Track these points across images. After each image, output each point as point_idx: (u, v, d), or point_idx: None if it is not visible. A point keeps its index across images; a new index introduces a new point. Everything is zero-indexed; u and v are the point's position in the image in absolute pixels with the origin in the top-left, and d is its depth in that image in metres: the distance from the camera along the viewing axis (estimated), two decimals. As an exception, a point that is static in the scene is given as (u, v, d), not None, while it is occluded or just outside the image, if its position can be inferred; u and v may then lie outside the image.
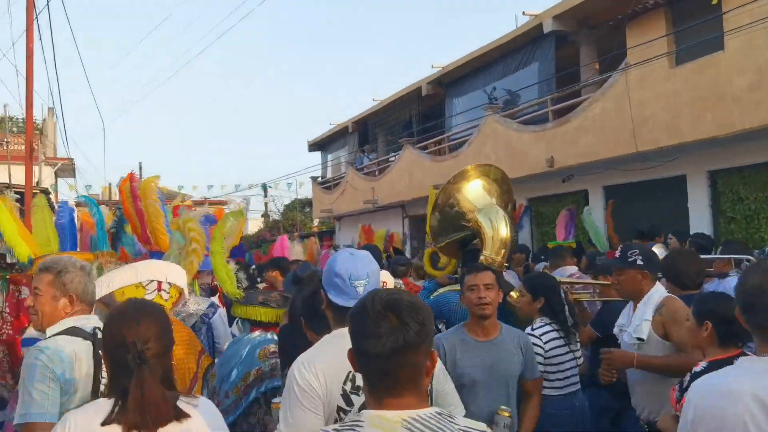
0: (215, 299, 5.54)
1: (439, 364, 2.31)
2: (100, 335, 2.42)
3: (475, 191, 5.07)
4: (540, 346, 3.75)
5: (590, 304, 5.21)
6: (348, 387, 2.08)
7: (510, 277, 6.20)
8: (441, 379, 2.38)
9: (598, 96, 10.94)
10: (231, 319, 5.16)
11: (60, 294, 2.53)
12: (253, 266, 10.31)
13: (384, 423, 1.50)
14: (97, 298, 3.18)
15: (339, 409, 2.07)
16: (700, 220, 10.02)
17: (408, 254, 13.91)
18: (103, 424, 1.82)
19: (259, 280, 6.75)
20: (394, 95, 18.45)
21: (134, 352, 1.84)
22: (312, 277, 4.85)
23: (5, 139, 21.11)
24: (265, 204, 34.67)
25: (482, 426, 1.61)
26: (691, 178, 10.34)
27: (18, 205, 5.58)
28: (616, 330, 3.69)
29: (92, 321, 2.54)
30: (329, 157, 24.69)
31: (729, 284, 4.89)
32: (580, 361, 4.00)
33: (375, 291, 1.66)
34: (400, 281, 6.18)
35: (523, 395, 3.43)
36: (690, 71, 9.38)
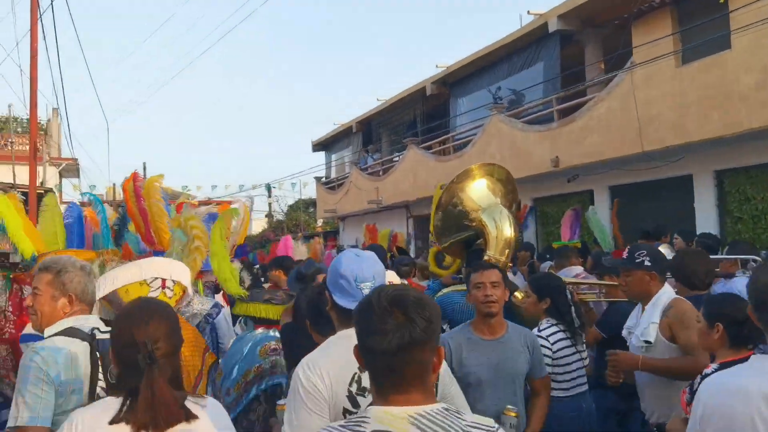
0: (219, 297, 5.52)
1: (444, 365, 2.29)
2: (98, 336, 2.40)
3: (479, 190, 5.03)
4: (548, 348, 3.71)
5: (596, 304, 5.17)
6: (354, 389, 2.06)
7: (515, 277, 6.18)
8: (447, 381, 2.35)
9: (604, 95, 10.89)
10: (234, 318, 5.15)
11: (59, 294, 2.51)
12: (257, 266, 10.31)
13: (390, 419, 1.48)
14: (100, 296, 3.17)
15: (345, 411, 2.05)
16: (706, 220, 9.97)
17: (412, 254, 13.87)
18: (111, 422, 1.80)
19: (262, 280, 6.73)
20: (398, 95, 18.44)
21: (144, 352, 1.83)
22: (315, 274, 4.86)
23: (9, 140, 21.15)
24: (269, 204, 34.72)
25: (489, 421, 1.59)
26: (698, 178, 10.30)
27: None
28: (624, 332, 3.65)
29: (91, 321, 2.51)
30: (333, 157, 24.70)
31: (735, 285, 4.84)
32: (586, 362, 3.96)
33: (381, 287, 1.64)
34: (405, 282, 6.15)
35: (531, 394, 3.41)
36: (696, 70, 9.33)
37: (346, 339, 2.11)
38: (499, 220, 4.82)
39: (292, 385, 2.09)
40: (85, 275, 2.57)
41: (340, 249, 19.21)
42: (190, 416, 1.88)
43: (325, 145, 25.04)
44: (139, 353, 1.83)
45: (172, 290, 3.31)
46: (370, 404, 1.59)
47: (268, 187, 32.82)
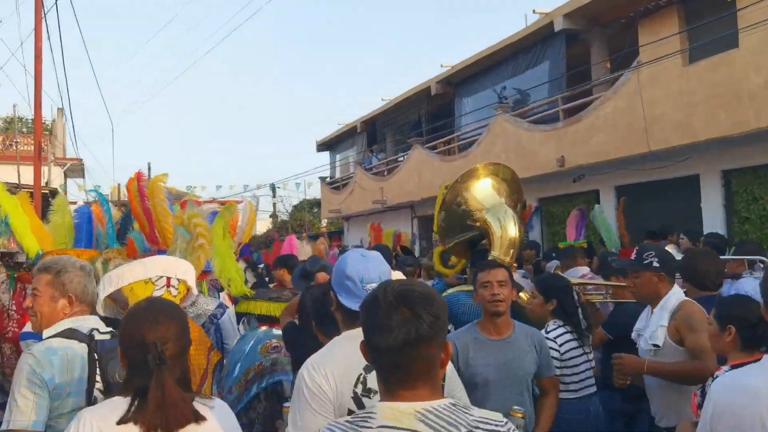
0: (224, 295, 5.49)
1: (450, 366, 2.26)
2: (97, 336, 2.38)
3: (483, 190, 5.00)
4: (556, 350, 3.68)
5: (603, 305, 5.13)
6: (359, 390, 2.04)
7: (520, 277, 6.13)
8: (453, 383, 2.32)
9: (610, 95, 10.85)
10: (238, 318, 5.13)
11: (59, 294, 2.48)
12: (261, 265, 10.29)
13: (397, 415, 1.47)
14: (105, 294, 3.15)
15: (350, 412, 2.02)
16: (713, 220, 9.92)
17: (417, 254, 13.85)
18: (119, 422, 1.79)
19: (267, 280, 6.72)
20: (403, 95, 18.43)
21: (154, 353, 1.82)
22: (320, 272, 4.83)
23: (14, 140, 21.21)
24: (274, 204, 34.73)
25: (497, 416, 1.56)
26: (705, 178, 10.24)
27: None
28: (634, 335, 3.60)
29: (90, 322, 2.48)
30: (338, 157, 24.69)
31: (742, 285, 4.80)
32: (592, 364, 3.92)
33: (387, 282, 1.62)
34: (409, 282, 6.10)
35: (540, 393, 3.38)
36: (704, 69, 9.28)
37: (351, 340, 2.09)
38: (503, 220, 4.79)
39: (297, 386, 2.07)
40: (85, 275, 2.54)
41: (344, 249, 19.21)
42: (199, 417, 1.86)
43: (329, 145, 25.04)
44: (148, 353, 1.82)
45: (177, 289, 3.30)
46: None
47: (273, 188, 32.84)
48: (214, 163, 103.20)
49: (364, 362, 2.04)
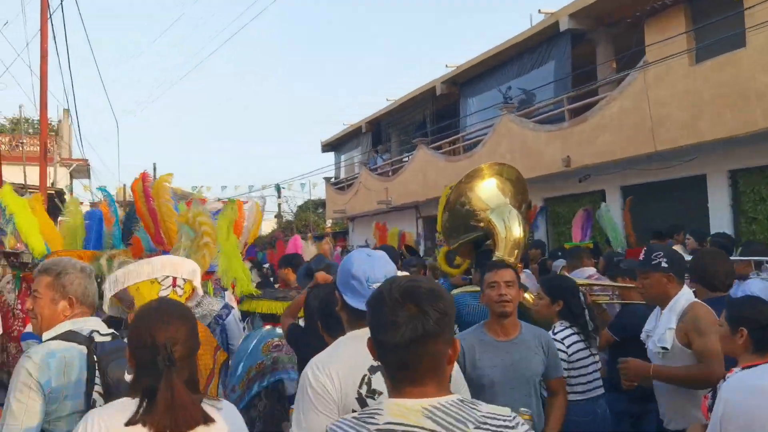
0: (230, 295, 5.48)
1: (456, 367, 2.24)
2: (97, 338, 2.37)
3: (488, 190, 4.97)
4: (563, 351, 3.65)
5: (609, 306, 5.10)
6: (363, 390, 2.02)
7: (526, 278, 6.10)
8: (458, 384, 2.30)
9: (616, 94, 10.81)
10: (243, 316, 5.12)
11: (59, 297, 2.46)
12: (267, 265, 10.30)
13: (404, 411, 1.45)
14: (111, 293, 3.14)
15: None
16: (720, 220, 9.87)
17: (421, 254, 13.83)
18: (128, 424, 1.78)
19: (272, 280, 6.70)
20: (408, 95, 18.41)
21: (164, 354, 1.81)
22: (326, 271, 4.82)
23: (21, 140, 21.28)
24: (279, 205, 34.77)
25: (506, 410, 1.54)
26: (711, 178, 10.19)
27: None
28: (643, 335, 3.57)
29: (90, 323, 2.46)
30: (342, 157, 24.69)
31: (749, 287, 4.76)
32: (599, 365, 3.90)
33: (393, 278, 1.60)
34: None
35: (548, 394, 3.35)
36: (710, 69, 9.23)
37: (356, 340, 2.08)
38: (508, 220, 4.76)
39: (301, 385, 2.05)
40: (85, 277, 2.52)
41: (348, 250, 19.19)
42: (207, 419, 1.86)
43: (334, 145, 25.04)
44: (158, 354, 1.81)
45: (183, 289, 3.29)
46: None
47: (278, 188, 32.88)
48: (219, 164, 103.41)
49: (368, 363, 2.03)
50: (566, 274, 5.58)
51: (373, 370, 2.04)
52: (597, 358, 3.86)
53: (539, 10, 12.83)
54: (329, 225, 29.91)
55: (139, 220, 5.77)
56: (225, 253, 4.35)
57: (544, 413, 3.27)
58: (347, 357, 2.04)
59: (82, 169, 26.44)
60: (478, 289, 4.21)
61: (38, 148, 14.90)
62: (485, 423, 1.47)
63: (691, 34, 9.75)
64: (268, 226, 33.95)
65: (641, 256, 3.48)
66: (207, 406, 1.89)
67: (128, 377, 2.19)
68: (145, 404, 1.80)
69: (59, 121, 27.58)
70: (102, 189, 7.23)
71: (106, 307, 3.03)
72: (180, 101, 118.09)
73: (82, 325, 2.43)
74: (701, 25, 9.75)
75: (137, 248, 5.39)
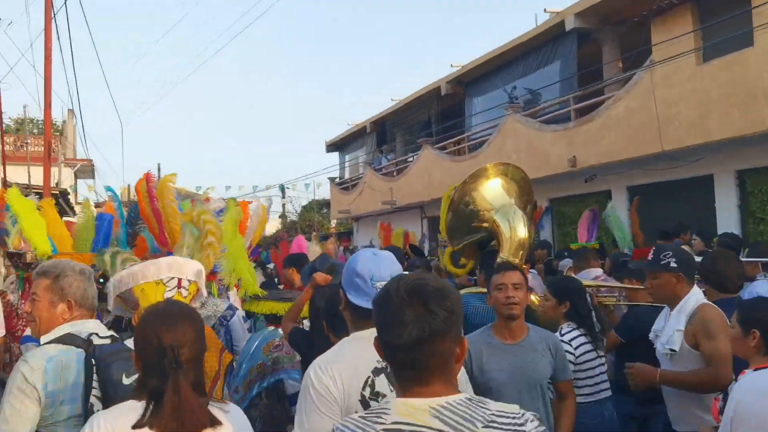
0: (234, 296, 5.46)
1: (462, 372, 2.20)
2: (96, 341, 2.33)
3: (493, 190, 4.93)
4: (571, 353, 3.62)
5: (616, 307, 5.05)
6: (367, 393, 2.00)
7: (532, 278, 6.06)
8: (463, 387, 2.27)
9: (622, 94, 10.76)
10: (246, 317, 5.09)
11: (58, 299, 2.42)
12: (271, 265, 10.26)
13: (411, 411, 1.44)
14: (116, 293, 3.12)
15: None
16: (727, 221, 9.80)
17: (426, 255, 13.79)
18: (135, 427, 1.76)
19: (276, 280, 6.67)
20: (412, 95, 18.39)
21: (171, 356, 1.79)
22: (331, 272, 4.79)
23: (25, 141, 21.33)
24: (283, 205, 34.79)
25: (514, 408, 1.52)
26: (719, 178, 10.13)
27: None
28: (651, 335, 3.53)
29: (88, 326, 2.43)
30: (347, 157, 24.68)
31: (756, 288, 4.71)
32: (605, 367, 3.86)
33: (400, 276, 1.58)
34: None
35: (557, 397, 3.30)
36: (718, 68, 9.18)
37: (360, 341, 2.07)
38: (513, 221, 4.73)
39: (303, 386, 2.03)
40: (84, 279, 2.48)
41: (352, 249, 19.17)
42: (215, 422, 1.84)
43: (338, 145, 25.04)
44: (165, 357, 1.79)
45: (188, 290, 3.28)
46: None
47: (282, 188, 32.90)
48: (223, 164, 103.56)
49: (372, 365, 2.02)
50: (573, 274, 5.54)
51: (376, 372, 2.02)
52: (603, 360, 3.83)
53: (545, 10, 12.79)
54: (334, 225, 29.91)
55: (142, 221, 5.76)
56: (231, 253, 4.32)
57: (551, 418, 3.22)
58: (351, 358, 2.02)
59: (86, 170, 26.51)
60: (484, 290, 4.18)
61: (43, 148, 14.93)
62: (493, 421, 1.45)
63: (698, 33, 9.69)
64: (272, 226, 33.98)
65: (650, 256, 3.45)
66: (214, 409, 1.88)
67: (126, 380, 2.16)
68: (151, 407, 1.78)
69: (64, 122, 27.66)
70: (110, 189, 7.24)
71: (111, 305, 3.02)
72: (184, 101, 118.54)
73: (80, 327, 2.39)
74: (708, 24, 9.69)
75: (141, 248, 5.37)
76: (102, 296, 4.05)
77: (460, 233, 5.09)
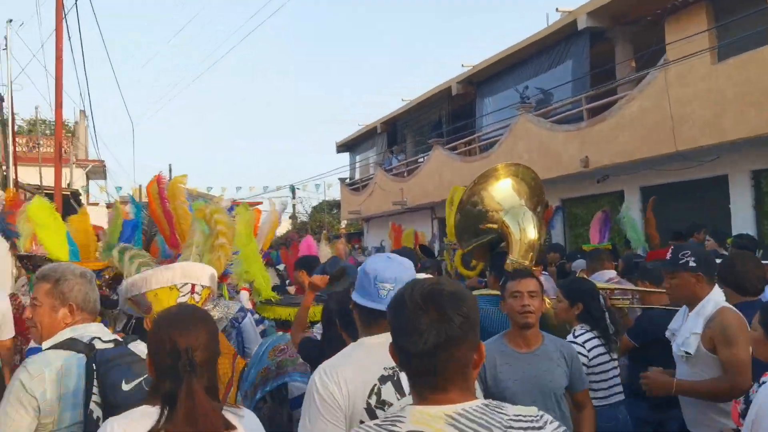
0: (246, 298, 5.44)
1: None
2: (99, 345, 2.29)
3: (503, 191, 4.88)
4: (584, 355, 3.56)
5: (630, 310, 4.99)
6: (373, 401, 1.98)
7: (545, 280, 6.00)
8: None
9: (636, 93, 10.67)
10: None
11: (59, 304, 2.37)
12: (281, 266, 10.24)
13: (427, 419, 1.41)
14: (128, 296, 3.10)
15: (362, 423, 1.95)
16: (742, 221, 9.69)
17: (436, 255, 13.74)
18: None
19: (287, 282, 6.65)
20: (423, 95, 18.35)
21: (185, 359, 1.78)
22: (341, 274, 4.76)
23: (37, 142, 21.47)
24: (293, 205, 34.84)
25: (532, 410, 1.49)
26: (734, 178, 10.02)
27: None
28: (668, 333, 3.46)
29: (91, 330, 2.38)
30: (357, 158, 24.66)
31: (768, 292, 4.62)
32: (618, 371, 3.81)
33: (415, 281, 1.54)
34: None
35: (575, 408, 3.23)
36: (733, 67, 9.08)
37: (367, 348, 2.06)
38: (522, 222, 4.67)
39: (308, 390, 2.02)
40: (86, 283, 2.44)
41: (363, 250, 19.15)
42: (229, 427, 1.83)
43: (349, 146, 25.03)
44: (179, 360, 1.77)
45: (200, 295, 3.28)
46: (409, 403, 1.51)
47: (292, 189, 32.97)
48: (234, 164, 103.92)
49: (379, 372, 2.01)
50: (585, 276, 5.48)
51: (383, 380, 2.00)
52: (617, 363, 3.78)
53: (557, 9, 12.73)
54: (344, 226, 29.93)
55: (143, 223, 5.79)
56: (245, 256, 4.30)
57: (571, 428, 3.16)
58: (358, 365, 2.00)
59: (98, 170, 26.67)
60: (494, 292, 4.13)
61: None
62: (511, 426, 1.42)
63: (713, 31, 9.60)
64: (282, 226, 34.01)
65: (668, 256, 3.38)
66: (228, 414, 1.86)
67: (125, 386, 2.13)
68: (166, 412, 1.76)
69: (75, 123, 27.83)
70: (132, 199, 7.26)
71: (122, 307, 3.01)
72: (195, 101, 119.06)
73: (82, 331, 2.35)
74: (724, 22, 9.59)
75: (153, 252, 5.38)
76: (114, 302, 4.04)
77: (468, 234, 5.04)
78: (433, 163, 17.29)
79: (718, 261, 3.80)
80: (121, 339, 2.40)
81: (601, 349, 3.65)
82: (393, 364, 1.96)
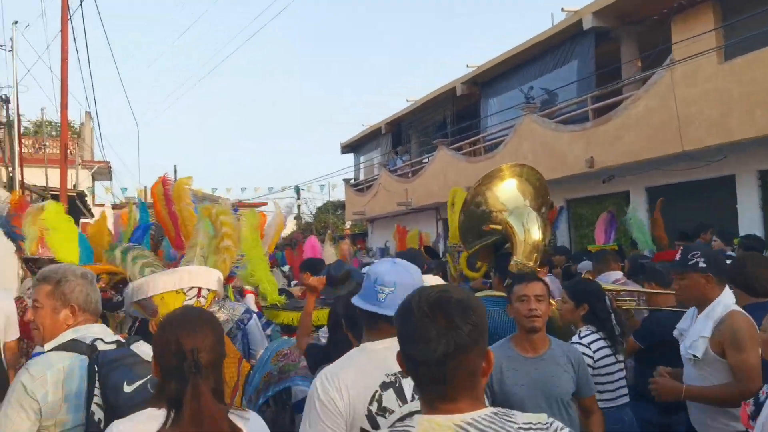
0: (251, 300, 5.43)
1: None
2: (101, 347, 2.28)
3: (507, 191, 4.85)
4: (589, 356, 3.54)
5: (637, 311, 4.95)
6: (374, 408, 1.96)
7: (550, 281, 5.98)
8: None
9: (642, 93, 10.63)
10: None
11: (60, 305, 2.36)
12: (287, 267, 10.25)
13: (435, 428, 1.40)
14: (135, 299, 3.09)
15: (363, 431, 1.95)
16: (750, 222, 9.64)
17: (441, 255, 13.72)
18: None
19: (293, 284, 6.65)
20: (428, 96, 18.34)
21: (190, 360, 1.77)
22: (346, 277, 4.75)
23: (43, 143, 21.54)
24: (298, 206, 34.87)
25: (542, 417, 1.48)
26: (741, 179, 9.97)
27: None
28: (676, 333, 3.43)
29: (93, 330, 2.37)
30: (362, 158, 24.67)
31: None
32: (624, 372, 3.78)
33: (422, 288, 1.52)
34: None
35: (583, 414, 3.19)
36: (740, 66, 9.04)
37: (369, 353, 2.05)
38: (526, 223, 4.63)
39: (309, 395, 2.01)
40: (87, 283, 2.42)
41: (368, 251, 19.13)
42: (235, 429, 1.82)
43: (353, 146, 25.04)
44: (184, 361, 1.77)
45: (206, 298, 3.28)
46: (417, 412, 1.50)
47: (297, 189, 32.99)
48: (239, 165, 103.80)
49: (381, 379, 1.99)
50: (591, 278, 5.45)
51: (384, 386, 1.99)
52: (623, 365, 3.75)
53: (562, 9, 12.70)
54: (348, 227, 29.93)
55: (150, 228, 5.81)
56: (251, 260, 4.30)
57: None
58: (360, 371, 1.99)
59: (103, 171, 26.72)
60: (499, 293, 4.11)
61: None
62: None
63: (720, 31, 9.56)
64: (287, 227, 34.05)
65: (677, 256, 3.34)
66: (233, 416, 1.85)
67: (127, 388, 2.12)
68: (172, 414, 1.76)
69: (81, 124, 27.90)
70: (143, 203, 7.27)
71: (128, 307, 3.01)
72: (200, 102, 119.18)
73: (85, 333, 2.34)
74: (731, 21, 9.54)
75: (158, 256, 5.41)
76: (118, 305, 4.04)
77: (472, 235, 5.02)
78: (438, 164, 17.27)
79: (728, 262, 3.76)
80: (123, 340, 2.38)
81: (607, 351, 3.63)
82: (395, 370, 1.95)
